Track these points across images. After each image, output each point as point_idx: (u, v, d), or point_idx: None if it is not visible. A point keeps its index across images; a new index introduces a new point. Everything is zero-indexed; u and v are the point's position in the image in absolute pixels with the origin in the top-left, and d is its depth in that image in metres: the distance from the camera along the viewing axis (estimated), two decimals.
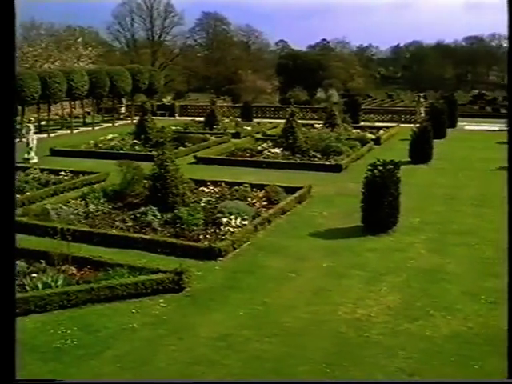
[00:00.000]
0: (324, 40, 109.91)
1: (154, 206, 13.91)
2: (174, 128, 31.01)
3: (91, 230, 12.97)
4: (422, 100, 36.08)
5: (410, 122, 35.55)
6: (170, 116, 43.02)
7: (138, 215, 13.67)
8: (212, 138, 29.10)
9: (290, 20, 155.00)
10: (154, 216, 13.53)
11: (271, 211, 14.33)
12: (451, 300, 9.69)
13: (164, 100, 51.55)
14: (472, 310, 9.31)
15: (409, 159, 22.56)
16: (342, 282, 10.52)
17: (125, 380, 7.49)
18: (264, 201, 15.43)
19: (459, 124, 36.85)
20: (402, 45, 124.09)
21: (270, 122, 37.17)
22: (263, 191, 15.98)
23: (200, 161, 22.96)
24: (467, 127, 37.08)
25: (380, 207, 13.05)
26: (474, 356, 7.85)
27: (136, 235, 12.54)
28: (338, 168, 21.15)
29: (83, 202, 14.90)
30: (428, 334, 8.48)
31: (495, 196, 17.28)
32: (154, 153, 17.68)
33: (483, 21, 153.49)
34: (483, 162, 23.22)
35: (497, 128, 36.02)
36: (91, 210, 14.38)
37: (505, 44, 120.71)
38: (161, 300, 9.66)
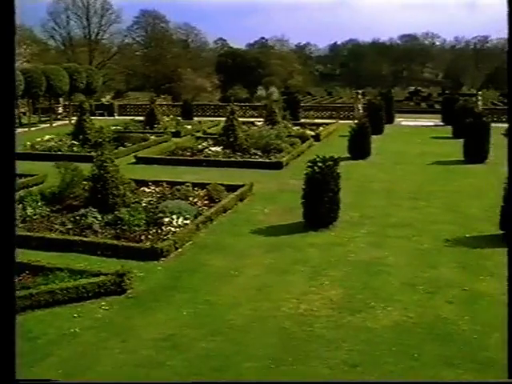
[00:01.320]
0: (263, 38, 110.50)
1: (94, 207, 13.68)
2: (113, 128, 30.52)
3: (29, 233, 12.63)
4: (360, 97, 36.65)
5: (348, 119, 36.18)
6: (109, 116, 42.36)
7: (77, 217, 13.41)
8: (152, 137, 28.82)
9: (229, 18, 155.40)
10: (95, 218, 13.31)
11: (213, 210, 14.32)
12: (391, 291, 9.93)
13: (103, 99, 50.77)
14: (411, 300, 9.56)
15: (348, 155, 22.96)
16: (285, 277, 10.62)
17: (125, 380, 7.42)
18: (205, 199, 15.40)
19: (396, 120, 37.74)
20: (339, 43, 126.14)
21: (211, 121, 37.14)
22: (204, 190, 15.94)
23: (140, 161, 22.72)
24: (404, 123, 38.02)
25: (320, 203, 13.24)
26: (414, 344, 8.07)
27: (76, 238, 12.31)
28: (278, 165, 21.32)
29: (20, 205, 14.47)
30: (369, 326, 8.66)
31: (431, 189, 17.84)
32: (93, 153, 17.39)
33: (417, 20, 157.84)
34: (419, 157, 23.89)
35: (432, 123, 37.12)
36: (29, 214, 14.01)
37: (437, 42, 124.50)
38: (103, 303, 9.51)
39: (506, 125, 34.22)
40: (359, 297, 9.69)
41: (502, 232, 12.67)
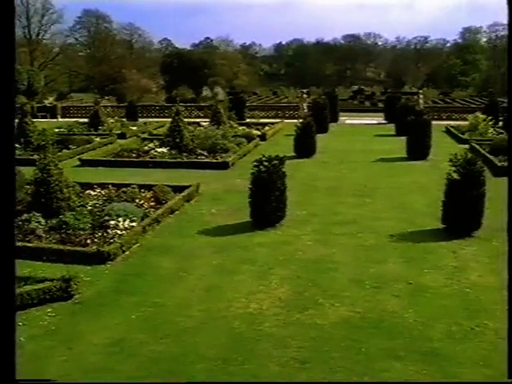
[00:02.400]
0: (208, 38, 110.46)
1: (37, 212, 13.37)
2: (56, 130, 29.96)
3: None
4: (304, 96, 37.02)
5: (293, 118, 36.46)
6: (51, 118, 41.54)
7: (20, 223, 13.08)
8: (97, 139, 28.38)
9: (173, 18, 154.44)
10: (38, 223, 13.01)
11: (159, 211, 14.21)
12: (338, 288, 10.06)
13: (45, 101, 49.65)
14: (358, 295, 9.72)
15: (294, 154, 23.16)
16: (234, 277, 10.63)
17: (124, 380, 7.33)
18: (152, 201, 15.27)
19: (341, 118, 38.32)
20: (284, 43, 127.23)
21: (156, 122, 36.90)
22: (151, 191, 15.80)
23: (85, 163, 22.33)
24: (348, 121, 38.63)
25: (267, 202, 13.30)
26: (361, 339, 8.20)
27: (19, 244, 11.96)
28: (225, 165, 21.33)
29: None
30: (318, 323, 8.75)
31: (375, 186, 18.18)
32: (35, 157, 16.97)
33: (359, 20, 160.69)
34: (364, 154, 24.30)
35: (375, 121, 37.83)
36: None
37: (380, 42, 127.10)
38: (49, 310, 9.31)
39: (446, 122, 35.32)
40: (307, 294, 9.79)
41: (444, 226, 13.05)
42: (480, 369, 7.42)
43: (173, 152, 23.10)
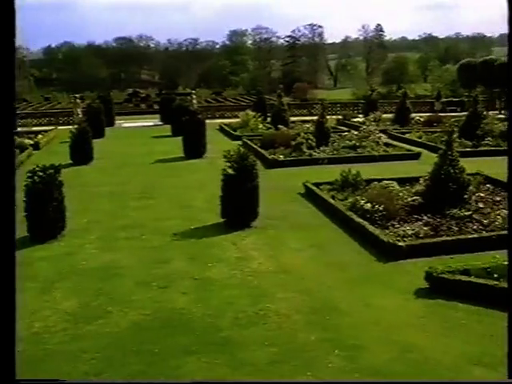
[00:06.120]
0: None
1: None
2: None
3: None
4: (78, 101, 35.94)
5: (68, 124, 35.30)
6: None
7: None
8: None
9: None
10: None
11: None
12: (126, 293, 9.98)
13: None
14: (146, 297, 9.75)
15: (71, 161, 22.42)
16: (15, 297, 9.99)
17: (124, 380, 6.89)
18: None
19: (117, 122, 37.99)
20: (53, 46, 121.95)
21: None
22: None
23: None
24: (125, 125, 38.44)
25: (45, 213, 12.66)
26: (154, 340, 8.26)
27: None
28: None
29: None
30: (108, 331, 8.60)
31: (157, 187, 18.36)
32: None
33: (130, 22, 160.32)
34: (143, 157, 24.38)
35: (152, 123, 38.15)
36: None
37: (152, 45, 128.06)
38: None
39: (219, 120, 36.85)
40: (95, 304, 9.56)
41: (223, 220, 13.63)
42: (266, 348, 7.93)
43: None
